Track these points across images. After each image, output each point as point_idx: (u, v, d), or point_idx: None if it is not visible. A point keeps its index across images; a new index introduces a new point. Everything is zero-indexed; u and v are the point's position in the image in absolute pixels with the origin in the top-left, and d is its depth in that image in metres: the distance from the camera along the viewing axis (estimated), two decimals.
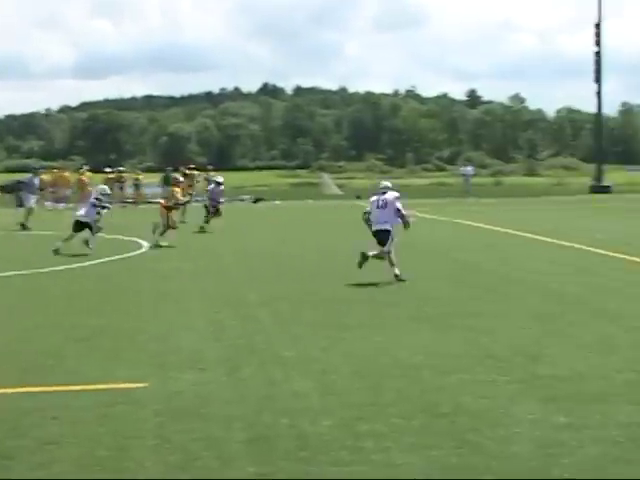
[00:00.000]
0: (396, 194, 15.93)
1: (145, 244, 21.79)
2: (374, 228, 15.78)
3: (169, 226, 22.48)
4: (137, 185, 47.10)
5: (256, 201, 48.61)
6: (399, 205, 15.74)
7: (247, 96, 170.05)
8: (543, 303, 12.78)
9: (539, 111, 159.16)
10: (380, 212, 15.71)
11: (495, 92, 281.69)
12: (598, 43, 57.67)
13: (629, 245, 20.41)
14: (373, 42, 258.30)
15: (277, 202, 46.18)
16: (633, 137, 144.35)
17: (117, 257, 19.53)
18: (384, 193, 15.90)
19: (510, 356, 9.27)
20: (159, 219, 22.50)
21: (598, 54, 57.53)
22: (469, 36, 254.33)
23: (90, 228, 20.63)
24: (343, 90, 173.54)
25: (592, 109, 66.01)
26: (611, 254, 18.73)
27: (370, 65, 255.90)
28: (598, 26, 57.52)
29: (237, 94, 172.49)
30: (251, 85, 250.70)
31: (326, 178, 63.75)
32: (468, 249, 20.28)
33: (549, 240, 22.29)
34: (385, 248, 15.35)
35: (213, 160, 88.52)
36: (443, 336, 10.46)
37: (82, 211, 21.12)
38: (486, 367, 8.79)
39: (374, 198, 16.03)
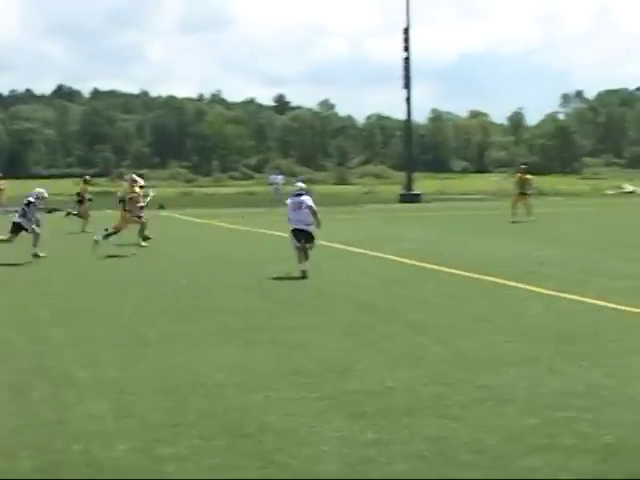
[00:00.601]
0: (310, 197, 18.11)
1: None
2: (294, 227, 17.85)
3: (118, 228, 23.77)
4: None
5: (51, 211, 47.17)
6: (314, 206, 17.91)
7: (40, 99, 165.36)
8: (355, 315, 12.98)
9: (349, 117, 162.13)
10: (297, 214, 17.87)
11: (304, 98, 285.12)
12: (407, 49, 58.80)
13: (440, 255, 21.03)
14: (176, 44, 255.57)
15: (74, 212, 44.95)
16: (443, 144, 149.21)
17: None
18: (299, 195, 18.07)
19: (320, 371, 9.36)
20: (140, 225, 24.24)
21: (407, 60, 58.68)
22: (278, 39, 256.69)
23: (26, 230, 21.85)
24: (144, 94, 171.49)
25: (402, 116, 67.66)
26: (422, 264, 19.24)
27: (173, 68, 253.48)
28: (407, 31, 58.77)
29: (29, 96, 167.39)
30: (44, 87, 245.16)
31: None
32: (279, 260, 20.32)
33: (360, 251, 22.71)
34: (312, 243, 17.89)
35: (3, 167, 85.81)
36: (250, 351, 10.47)
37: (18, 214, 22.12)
38: (294, 383, 8.84)
39: (290, 200, 18.15)
